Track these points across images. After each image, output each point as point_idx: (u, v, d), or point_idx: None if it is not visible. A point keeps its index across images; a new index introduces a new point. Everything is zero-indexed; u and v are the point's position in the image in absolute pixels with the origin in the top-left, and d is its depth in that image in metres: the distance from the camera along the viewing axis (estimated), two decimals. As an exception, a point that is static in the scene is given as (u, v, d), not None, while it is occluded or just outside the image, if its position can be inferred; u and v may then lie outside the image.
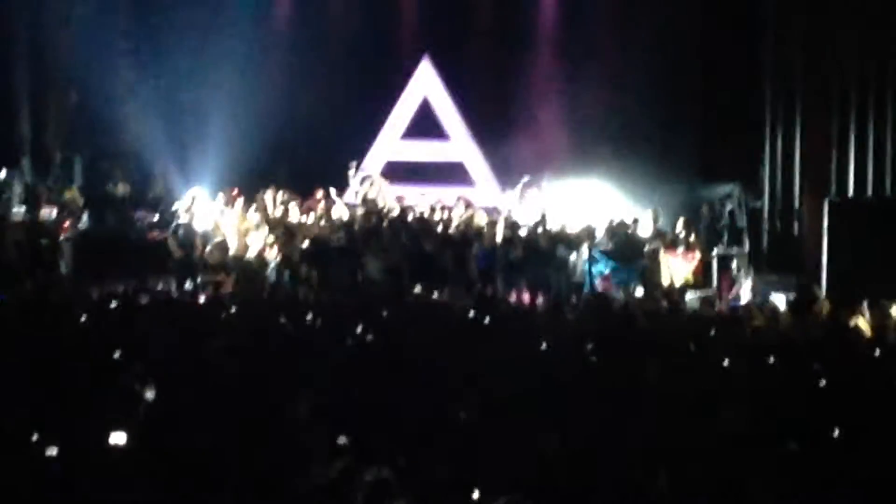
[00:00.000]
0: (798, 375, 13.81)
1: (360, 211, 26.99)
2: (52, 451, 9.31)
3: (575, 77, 29.34)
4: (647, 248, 25.95)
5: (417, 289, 23.81)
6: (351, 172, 27.98)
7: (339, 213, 26.81)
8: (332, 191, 27.28)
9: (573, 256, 25.76)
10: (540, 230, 26.14)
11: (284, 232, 25.87)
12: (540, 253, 25.80)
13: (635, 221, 26.56)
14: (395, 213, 27.02)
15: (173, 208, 27.10)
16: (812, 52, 27.37)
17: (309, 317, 18.24)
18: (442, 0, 30.06)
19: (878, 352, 16.15)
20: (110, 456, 9.52)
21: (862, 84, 27.19)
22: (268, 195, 26.73)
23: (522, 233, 26.20)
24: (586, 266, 25.43)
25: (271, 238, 25.75)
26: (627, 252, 25.90)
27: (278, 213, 26.39)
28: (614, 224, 26.49)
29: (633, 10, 29.35)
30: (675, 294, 24.41)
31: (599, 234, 26.32)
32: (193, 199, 26.52)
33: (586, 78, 29.28)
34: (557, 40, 29.65)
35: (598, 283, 25.31)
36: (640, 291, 24.85)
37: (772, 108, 27.90)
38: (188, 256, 25.59)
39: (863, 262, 24.43)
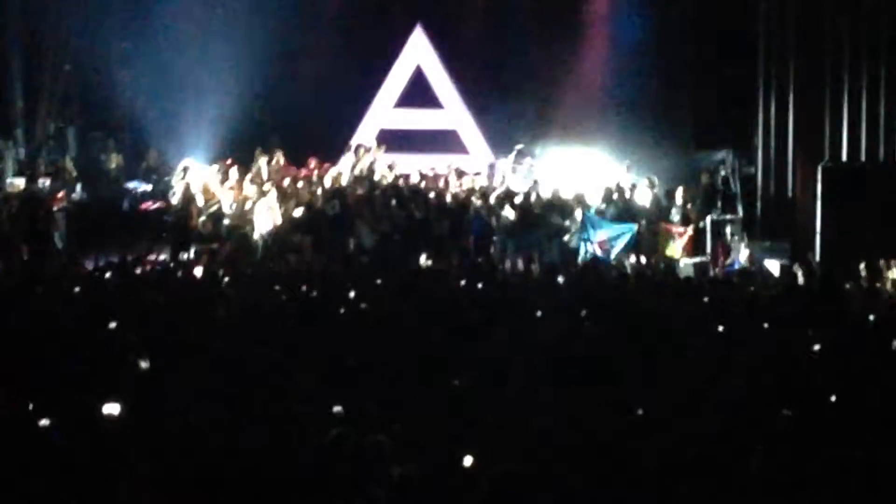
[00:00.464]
0: (792, 341, 13.78)
1: (353, 179, 26.98)
2: (46, 422, 9.29)
3: (569, 46, 29.29)
4: (643, 213, 26.02)
5: (416, 257, 23.84)
6: (347, 140, 28.03)
7: (333, 181, 26.77)
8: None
9: (567, 223, 25.77)
10: (533, 197, 26.17)
11: (279, 198, 25.86)
12: (533, 220, 25.81)
13: (633, 187, 26.61)
14: (389, 181, 27.02)
15: (167, 179, 27.12)
16: (805, 20, 27.28)
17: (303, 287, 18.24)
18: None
19: (871, 317, 16.11)
20: (104, 426, 9.50)
21: (854, 51, 27.10)
22: (262, 163, 26.69)
23: (516, 200, 26.19)
24: (580, 231, 25.44)
25: (264, 206, 25.72)
26: (624, 215, 25.94)
27: (271, 181, 26.34)
28: (611, 189, 26.49)
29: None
30: (668, 261, 24.43)
31: (595, 199, 26.32)
32: (186, 169, 26.49)
33: (581, 47, 29.27)
34: (552, 8, 29.54)
35: (593, 246, 25.30)
36: (632, 259, 24.90)
37: (765, 75, 27.84)
38: (183, 226, 25.58)
39: (856, 227, 24.42)
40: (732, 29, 28.06)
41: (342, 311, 15.76)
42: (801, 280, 21.11)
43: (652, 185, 26.58)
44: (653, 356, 12.40)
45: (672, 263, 24.03)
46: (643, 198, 26.36)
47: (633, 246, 25.21)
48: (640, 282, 20.43)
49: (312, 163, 27.18)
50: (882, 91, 26.89)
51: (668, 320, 15.10)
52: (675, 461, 8.85)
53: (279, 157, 26.98)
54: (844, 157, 26.96)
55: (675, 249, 25.43)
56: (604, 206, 26.17)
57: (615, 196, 26.33)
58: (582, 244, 25.24)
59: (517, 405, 10.09)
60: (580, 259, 24.58)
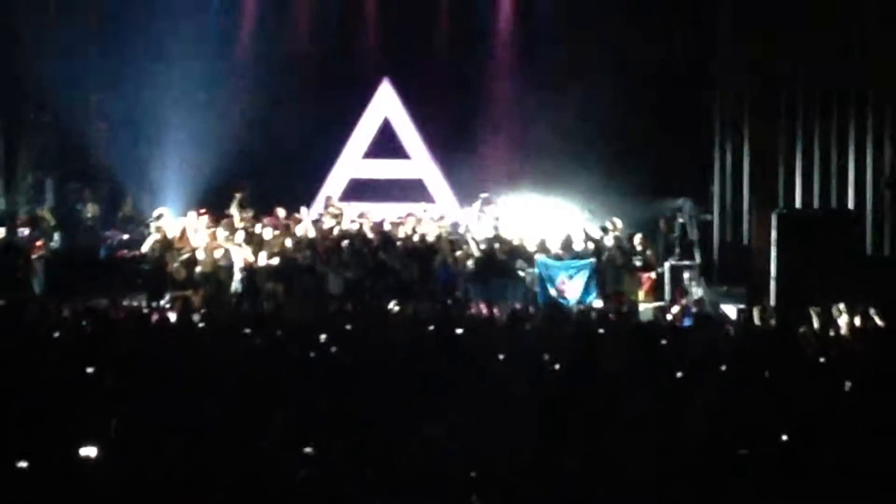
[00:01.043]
0: (748, 382, 13.81)
1: (323, 228, 27.03)
2: (23, 464, 9.25)
3: (532, 98, 29.37)
4: (602, 249, 26.17)
5: (385, 302, 23.86)
6: (318, 190, 28.10)
7: (303, 231, 26.83)
8: (303, 210, 27.42)
9: (529, 269, 25.87)
10: (496, 245, 26.25)
11: (252, 247, 25.91)
12: (497, 266, 25.89)
13: (591, 222, 26.83)
14: (356, 230, 27.07)
15: (142, 227, 27.14)
16: (759, 75, 27.47)
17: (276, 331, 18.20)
18: (400, 25, 29.99)
19: (822, 359, 16.17)
20: (81, 468, 9.48)
21: (807, 104, 27.34)
22: (233, 212, 26.70)
23: (480, 247, 26.27)
24: (539, 276, 25.58)
25: (236, 254, 25.75)
26: (582, 252, 26.08)
27: (242, 231, 26.36)
28: (570, 236, 26.59)
29: (588, 38, 29.36)
30: (629, 304, 24.49)
31: (555, 246, 26.40)
32: (160, 217, 26.51)
33: (543, 99, 29.31)
34: (513, 64, 29.70)
35: (553, 290, 25.42)
36: (597, 303, 24.99)
37: (721, 125, 28.03)
38: (158, 273, 25.59)
39: (809, 272, 24.51)
40: (689, 81, 28.16)
41: (313, 354, 15.72)
42: (756, 323, 21.16)
43: (614, 228, 26.68)
44: (613, 397, 12.43)
45: (634, 308, 24.10)
46: (605, 240, 26.47)
47: (595, 282, 25.36)
48: (602, 325, 20.43)
49: (281, 212, 27.19)
50: (833, 142, 27.12)
51: (628, 365, 15.11)
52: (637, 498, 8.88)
53: (248, 209, 27.02)
54: (798, 205, 27.11)
55: (638, 290, 25.55)
56: (562, 251, 26.26)
57: (575, 240, 26.42)
58: (540, 291, 25.36)
59: (486, 450, 10.08)
60: (540, 303, 24.65)
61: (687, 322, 23.14)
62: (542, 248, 26.22)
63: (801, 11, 27.03)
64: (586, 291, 25.61)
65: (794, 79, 27.41)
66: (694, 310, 24.25)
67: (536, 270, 25.75)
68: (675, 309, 24.70)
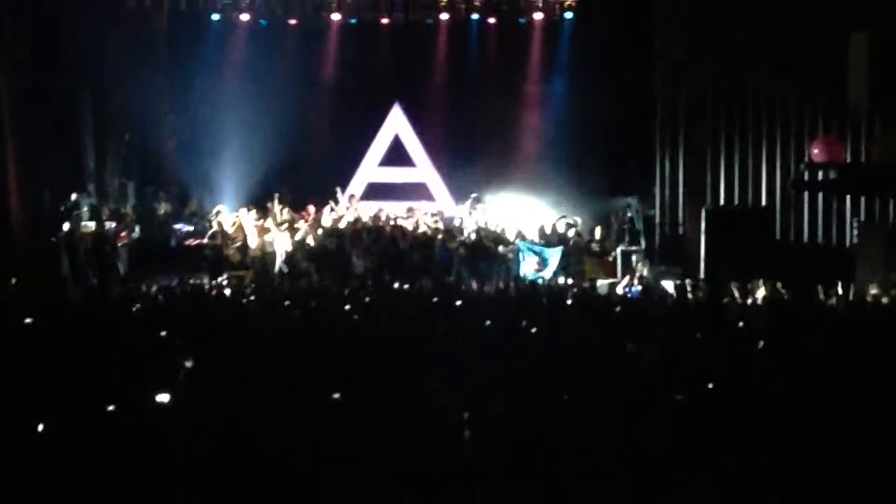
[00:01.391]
0: (683, 342, 13.86)
1: (345, 221, 27.13)
2: (111, 408, 9.30)
3: (510, 119, 29.52)
4: (567, 239, 26.27)
5: (396, 280, 23.91)
6: (339, 195, 28.09)
7: (330, 223, 26.91)
8: (330, 205, 27.53)
9: (510, 254, 25.95)
10: (483, 234, 26.34)
11: (290, 236, 26.04)
12: (484, 251, 25.96)
13: (561, 219, 26.87)
14: (374, 222, 27.16)
15: (204, 221, 27.22)
16: (691, 95, 27.43)
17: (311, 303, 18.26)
18: (407, 57, 30.01)
19: (741, 323, 16.22)
20: (157, 412, 9.53)
21: (729, 120, 27.33)
22: (276, 208, 26.80)
23: (471, 237, 26.37)
24: (516, 257, 25.72)
25: (279, 242, 25.84)
26: (553, 240, 26.18)
27: (283, 223, 26.48)
28: (544, 227, 26.74)
29: (553, 70, 29.56)
30: (591, 281, 24.58)
31: (533, 234, 26.51)
32: (219, 213, 26.63)
33: (519, 120, 29.53)
34: (498, 90, 29.70)
35: (530, 266, 25.55)
36: (562, 279, 25.07)
37: (661, 138, 27.93)
38: (217, 258, 25.68)
39: (731, 255, 24.54)
40: (635, 102, 28.12)
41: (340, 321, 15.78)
42: (689, 296, 21.21)
43: (575, 224, 26.81)
44: (575, 353, 12.48)
45: (593, 283, 24.17)
46: (569, 233, 26.61)
47: (563, 265, 25.45)
48: (568, 297, 20.49)
49: (312, 208, 27.28)
50: (749, 151, 27.14)
51: (588, 327, 15.17)
52: (592, 439, 8.89)
53: (287, 206, 27.12)
54: (722, 202, 27.14)
55: (596, 272, 25.61)
56: (538, 238, 26.40)
57: (548, 231, 26.55)
58: (516, 268, 25.49)
59: (476, 395, 10.11)
60: (518, 278, 24.75)
61: (633, 293, 23.27)
62: (520, 237, 26.34)
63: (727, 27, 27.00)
64: (556, 270, 25.70)
65: (719, 102, 27.37)
66: (638, 285, 24.31)
67: (516, 251, 25.92)
68: (624, 282, 24.81)
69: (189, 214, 28.14)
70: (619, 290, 24.23)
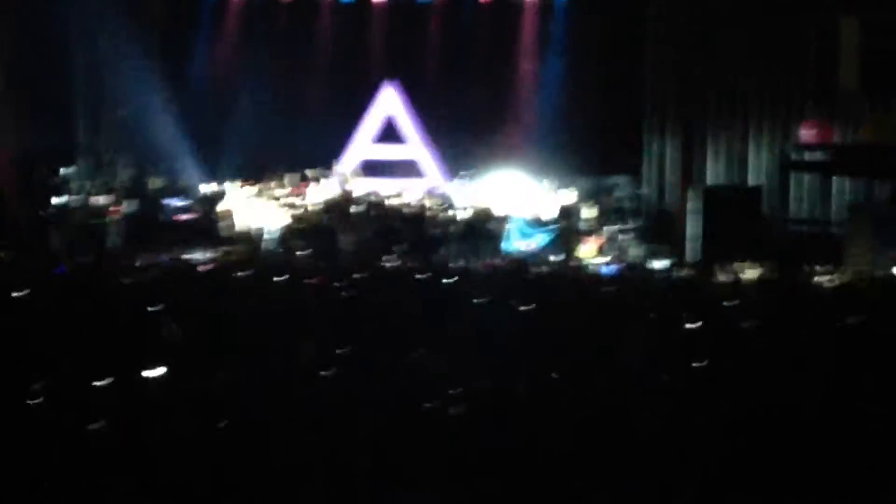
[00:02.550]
0: (671, 322, 13.87)
1: (337, 197, 27.13)
2: (101, 383, 9.30)
3: (502, 99, 29.50)
4: (559, 218, 26.28)
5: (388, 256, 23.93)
6: (335, 168, 28.13)
7: (323, 198, 26.91)
8: (319, 181, 27.54)
9: (499, 231, 25.96)
10: (472, 212, 26.34)
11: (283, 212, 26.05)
12: (475, 228, 25.96)
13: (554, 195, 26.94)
14: (365, 198, 27.16)
15: (195, 197, 27.21)
16: (680, 77, 27.48)
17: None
18: (400, 37, 29.97)
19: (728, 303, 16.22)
20: (148, 386, 9.53)
21: (717, 103, 27.40)
22: (270, 185, 26.82)
23: (460, 215, 26.38)
24: (508, 234, 25.74)
25: (271, 217, 25.82)
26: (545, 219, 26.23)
27: (275, 199, 26.48)
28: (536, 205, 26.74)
29: (545, 50, 29.49)
30: (579, 260, 24.61)
31: (524, 212, 26.47)
32: (212, 189, 26.63)
33: (511, 100, 29.50)
34: (488, 69, 29.70)
35: (523, 244, 25.56)
36: (553, 256, 25.11)
37: (650, 118, 27.98)
38: (207, 232, 25.68)
39: (719, 235, 24.59)
40: (626, 82, 28.16)
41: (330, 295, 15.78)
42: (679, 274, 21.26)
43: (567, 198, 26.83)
44: (564, 331, 12.49)
45: (582, 262, 24.21)
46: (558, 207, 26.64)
47: (555, 242, 25.46)
48: (559, 275, 20.51)
49: (304, 185, 27.27)
50: (736, 133, 27.20)
51: (578, 305, 15.18)
52: (582, 414, 8.92)
53: (293, 179, 27.10)
54: (711, 182, 27.18)
55: (585, 252, 25.59)
56: (530, 217, 26.38)
57: (543, 212, 26.56)
58: (504, 243, 25.52)
59: (465, 368, 10.13)
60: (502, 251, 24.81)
61: (610, 270, 23.33)
62: (510, 215, 26.33)
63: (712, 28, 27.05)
64: (547, 246, 25.72)
65: (707, 85, 27.42)
66: (615, 264, 24.36)
67: (506, 232, 25.94)
68: (602, 259, 24.85)
69: (179, 189, 28.06)
70: (594, 267, 24.24)
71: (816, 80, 26.62)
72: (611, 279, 21.05)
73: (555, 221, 26.20)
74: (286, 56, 29.63)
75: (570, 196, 27.05)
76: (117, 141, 29.07)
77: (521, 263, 23.02)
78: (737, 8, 26.56)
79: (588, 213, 26.64)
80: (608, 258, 25.18)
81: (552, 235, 25.72)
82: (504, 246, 25.66)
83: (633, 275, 21.87)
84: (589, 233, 26.19)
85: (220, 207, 26.23)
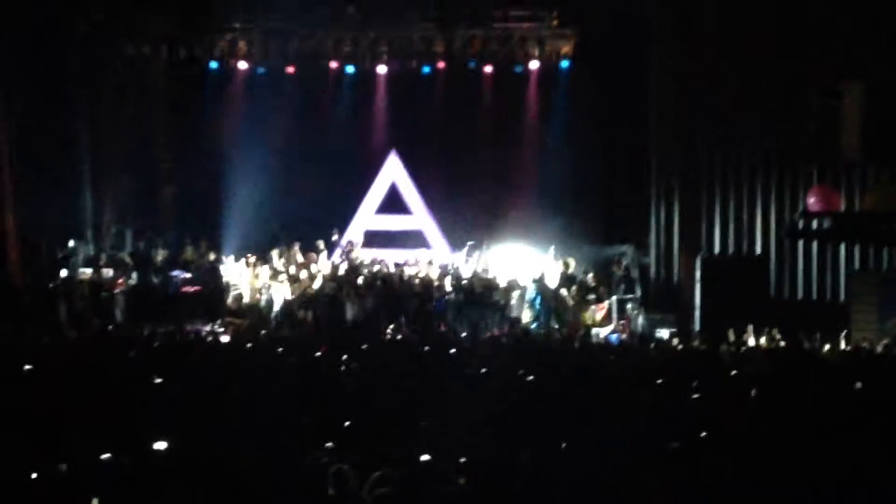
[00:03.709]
0: (678, 390, 13.86)
1: (343, 268, 27.14)
2: (106, 456, 9.27)
3: (506, 167, 29.61)
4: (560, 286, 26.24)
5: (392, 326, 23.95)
6: (335, 237, 28.18)
7: (328, 269, 26.92)
8: (324, 252, 27.58)
9: (503, 301, 25.93)
10: (476, 281, 26.32)
11: (289, 284, 26.04)
12: (477, 298, 25.93)
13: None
14: (372, 269, 27.19)
15: (201, 269, 27.24)
16: (685, 145, 27.58)
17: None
18: (404, 108, 30.14)
19: (734, 372, 16.22)
20: (153, 459, 9.51)
21: (723, 173, 27.53)
22: (275, 257, 26.86)
23: (468, 283, 26.39)
24: (513, 303, 25.74)
25: (276, 289, 25.83)
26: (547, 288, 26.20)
27: (280, 273, 26.49)
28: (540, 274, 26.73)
29: (549, 118, 29.66)
30: (587, 328, 24.67)
31: (528, 282, 26.44)
32: (217, 260, 26.66)
33: (515, 168, 29.62)
34: (492, 138, 29.81)
35: (527, 313, 25.59)
36: (555, 324, 25.14)
37: (656, 188, 28.08)
38: (216, 304, 25.74)
39: (726, 303, 24.59)
40: (631, 153, 28.29)
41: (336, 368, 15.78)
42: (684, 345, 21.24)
43: (567, 267, 26.80)
44: (572, 402, 12.48)
45: (589, 330, 24.26)
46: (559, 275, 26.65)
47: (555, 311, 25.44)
48: (563, 346, 20.51)
49: (313, 257, 27.29)
50: (745, 201, 27.28)
51: (585, 376, 15.17)
52: (591, 483, 8.90)
53: (296, 252, 27.11)
54: (717, 251, 27.23)
55: (594, 319, 25.60)
56: (534, 286, 26.32)
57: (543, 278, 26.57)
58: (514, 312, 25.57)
59: (468, 442, 10.11)
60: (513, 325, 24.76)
61: (612, 340, 23.34)
62: (515, 285, 26.28)
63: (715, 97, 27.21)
64: (545, 315, 25.74)
65: (711, 156, 27.56)
66: (619, 333, 24.40)
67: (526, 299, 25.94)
68: (607, 329, 24.85)
69: (184, 262, 28.10)
70: (601, 336, 24.25)
71: (819, 146, 26.74)
72: (614, 347, 21.09)
73: (555, 290, 26.16)
74: (291, 126, 29.77)
75: (573, 265, 27.04)
76: (123, 214, 29.19)
77: (526, 333, 23.06)
78: (741, 74, 26.69)
79: (592, 281, 26.64)
80: (612, 327, 25.22)
81: (548, 305, 25.71)
82: (509, 314, 25.66)
83: (636, 344, 21.87)
84: (596, 301, 26.17)
85: (226, 279, 26.28)
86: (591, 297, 26.29)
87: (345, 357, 16.88)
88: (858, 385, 14.41)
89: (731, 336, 21.60)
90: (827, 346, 20.68)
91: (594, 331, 24.64)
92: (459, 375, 14.86)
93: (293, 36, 30.04)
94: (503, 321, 25.32)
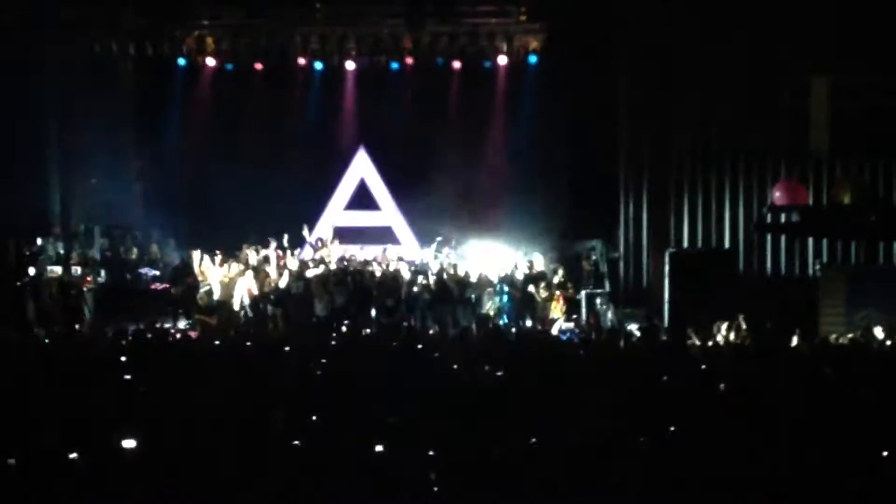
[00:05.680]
0: (648, 384, 13.88)
1: (312, 264, 27.06)
2: (74, 455, 9.23)
3: (475, 162, 29.55)
4: (526, 282, 26.25)
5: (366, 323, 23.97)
6: (305, 233, 28.10)
7: (296, 266, 26.84)
8: (292, 250, 27.50)
9: (473, 297, 25.93)
10: (445, 277, 26.28)
11: (257, 279, 25.94)
12: (446, 295, 25.91)
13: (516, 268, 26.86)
14: (341, 265, 27.13)
15: (170, 266, 27.17)
16: (653, 140, 27.65)
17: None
18: (373, 104, 30.10)
19: (703, 366, 16.25)
20: (122, 457, 9.47)
21: (692, 168, 27.61)
22: (244, 253, 26.76)
23: (436, 279, 26.36)
24: (482, 299, 25.76)
25: (244, 286, 25.73)
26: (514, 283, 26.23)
27: (252, 267, 26.38)
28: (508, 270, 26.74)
29: (518, 113, 29.65)
30: (551, 322, 24.72)
31: (496, 277, 26.45)
32: (188, 258, 26.57)
33: (484, 163, 29.59)
34: (461, 134, 29.78)
35: (494, 309, 25.61)
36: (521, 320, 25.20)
37: (625, 183, 28.11)
38: (183, 301, 25.64)
39: (694, 297, 24.66)
40: (599, 146, 28.27)
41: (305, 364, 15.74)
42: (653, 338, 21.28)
43: (532, 265, 26.80)
44: (537, 395, 12.48)
45: (551, 324, 24.35)
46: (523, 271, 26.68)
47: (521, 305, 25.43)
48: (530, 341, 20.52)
49: (279, 253, 27.20)
50: (713, 196, 27.37)
51: (549, 369, 15.18)
52: (556, 476, 8.91)
53: (265, 248, 26.96)
54: (686, 245, 27.29)
55: (556, 311, 25.64)
56: (501, 282, 26.35)
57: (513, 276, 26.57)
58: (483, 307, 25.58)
59: (436, 434, 10.11)
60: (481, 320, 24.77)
61: (568, 336, 23.40)
62: (484, 281, 26.29)
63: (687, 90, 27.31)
64: (512, 310, 25.80)
65: (680, 151, 27.64)
66: (577, 331, 24.48)
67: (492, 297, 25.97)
68: (559, 325, 24.90)
69: (150, 260, 27.99)
70: (554, 330, 24.26)
71: (788, 141, 26.91)
72: (579, 343, 21.11)
73: (523, 285, 26.17)
74: (260, 123, 29.73)
75: (540, 262, 27.04)
76: (92, 212, 29.06)
77: (495, 328, 23.06)
78: (710, 69, 26.80)
79: (559, 276, 26.65)
80: (578, 322, 25.28)
81: (514, 300, 25.75)
82: (479, 310, 25.66)
83: (604, 338, 21.89)
84: (559, 297, 26.13)
85: (195, 276, 26.17)
86: (559, 291, 26.31)
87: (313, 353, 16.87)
88: (826, 377, 14.48)
89: (701, 330, 21.65)
90: (795, 340, 20.74)
91: (557, 325, 24.67)
92: (429, 371, 14.84)
93: (261, 33, 29.97)
94: (473, 317, 25.30)
